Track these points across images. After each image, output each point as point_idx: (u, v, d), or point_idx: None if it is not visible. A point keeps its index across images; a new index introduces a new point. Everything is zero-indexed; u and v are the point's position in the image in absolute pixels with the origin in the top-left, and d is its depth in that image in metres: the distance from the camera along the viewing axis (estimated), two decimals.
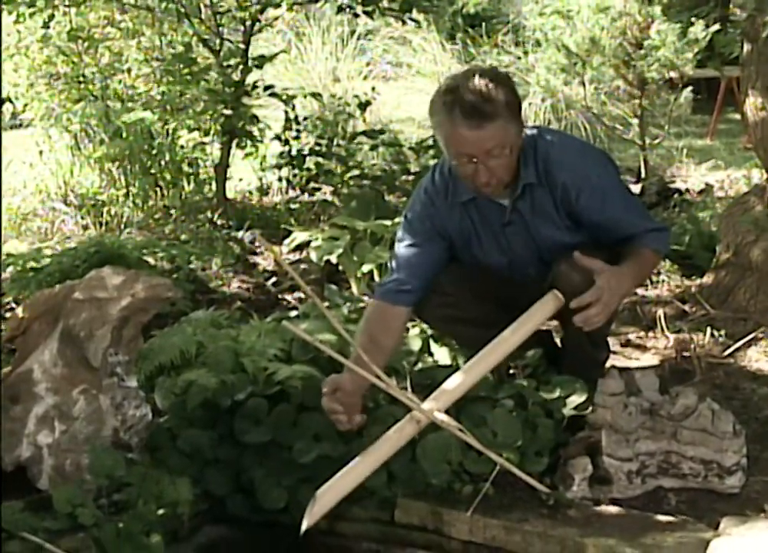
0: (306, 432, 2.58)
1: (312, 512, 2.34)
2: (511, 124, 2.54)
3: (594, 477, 2.50)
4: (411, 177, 5.27)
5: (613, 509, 2.43)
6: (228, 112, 5.17)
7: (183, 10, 5.20)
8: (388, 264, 2.94)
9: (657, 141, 5.94)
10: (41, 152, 5.88)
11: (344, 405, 2.50)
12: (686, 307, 3.77)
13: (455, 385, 2.52)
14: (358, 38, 8.29)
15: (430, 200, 2.77)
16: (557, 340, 3.08)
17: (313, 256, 4.09)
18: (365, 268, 3.96)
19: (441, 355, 2.99)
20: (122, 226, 5.18)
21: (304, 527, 2.31)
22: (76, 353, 2.50)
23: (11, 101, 5.51)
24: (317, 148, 5.59)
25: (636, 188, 5.42)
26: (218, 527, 2.59)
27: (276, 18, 6.01)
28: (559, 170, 2.64)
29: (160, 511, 2.39)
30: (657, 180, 5.60)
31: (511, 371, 2.84)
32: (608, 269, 2.50)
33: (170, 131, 5.59)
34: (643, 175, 5.76)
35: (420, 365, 2.90)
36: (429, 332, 3.11)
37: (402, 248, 2.81)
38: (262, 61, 5.31)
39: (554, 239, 2.72)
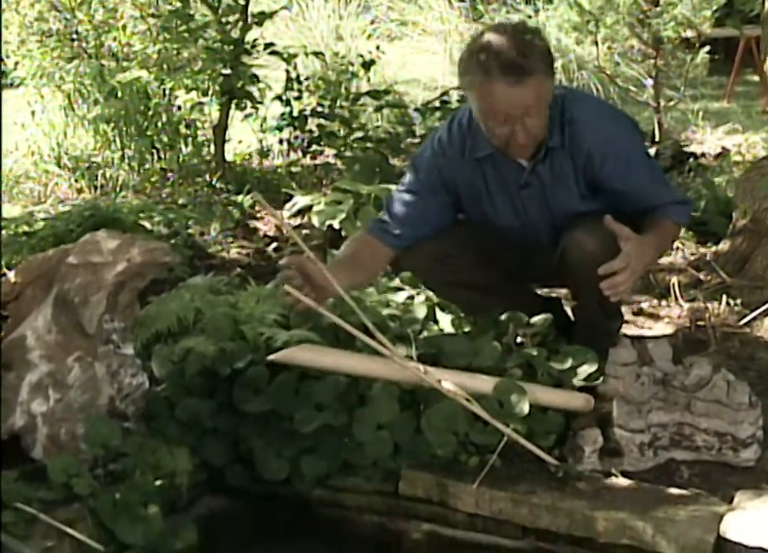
0: (308, 401, 2.57)
1: (283, 354, 2.44)
2: (547, 79, 2.52)
3: (605, 449, 2.50)
4: (416, 140, 5.24)
5: (624, 482, 2.43)
6: (227, 71, 5.13)
7: None
8: (384, 204, 2.92)
9: (672, 103, 5.90)
10: (33, 112, 5.85)
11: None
12: (701, 275, 3.76)
13: (459, 377, 2.54)
14: None
15: (442, 150, 2.76)
16: (568, 310, 3.08)
17: (315, 221, 4.08)
18: None
19: (447, 323, 2.98)
20: (117, 189, 5.17)
21: (269, 358, 2.45)
22: (70, 319, 2.50)
23: (0, 59, 5.47)
24: (319, 109, 5.55)
25: (650, 152, 5.38)
26: (217, 498, 2.60)
27: None
28: (584, 136, 2.61)
29: (158, 482, 2.39)
30: (671, 144, 5.56)
31: (520, 340, 2.83)
32: (635, 236, 2.48)
33: (167, 91, 5.55)
34: (657, 139, 5.73)
35: (425, 333, 2.89)
36: (435, 299, 3.11)
37: (401, 194, 2.81)
38: (262, 17, 5.26)
39: (569, 207, 2.70)
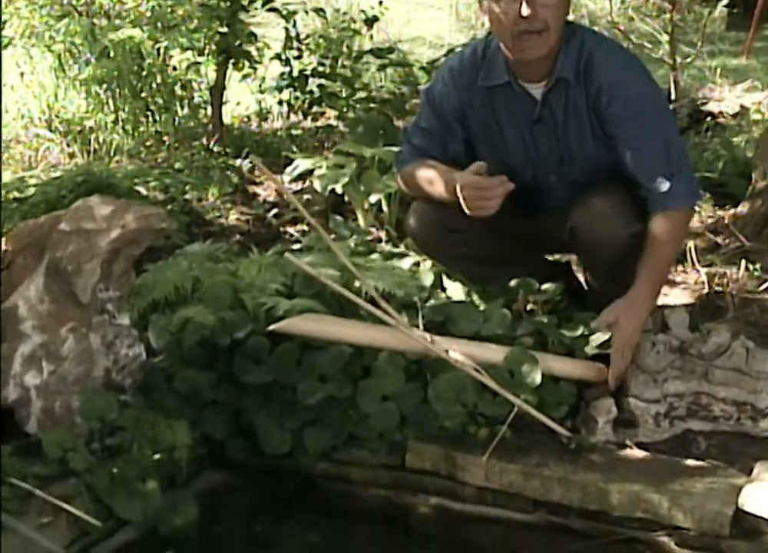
0: (311, 372, 2.58)
1: (285, 323, 2.47)
2: None
3: (619, 420, 2.50)
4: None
5: (638, 454, 2.44)
6: (223, 29, 5.09)
7: None
8: (403, 139, 2.99)
9: (688, 60, 5.85)
10: (22, 74, 5.81)
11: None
12: (719, 239, 3.74)
13: (467, 346, 2.54)
14: None
15: (452, 79, 2.79)
16: (580, 276, 3.06)
17: (317, 185, 4.05)
18: (373, 198, 3.92)
19: (455, 290, 2.98)
20: (111, 153, 5.14)
21: (270, 327, 2.50)
22: (63, 289, 2.49)
23: None
24: (320, 69, 5.50)
25: (674, 124, 5.33)
26: (217, 472, 2.61)
27: None
28: (599, 71, 2.61)
29: (156, 456, 2.40)
30: (688, 103, 5.52)
31: (530, 307, 2.82)
32: (621, 316, 2.52)
33: (162, 51, 5.51)
34: (673, 97, 5.68)
35: (432, 301, 2.89)
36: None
37: (416, 130, 2.87)
38: None
39: (581, 146, 2.70)
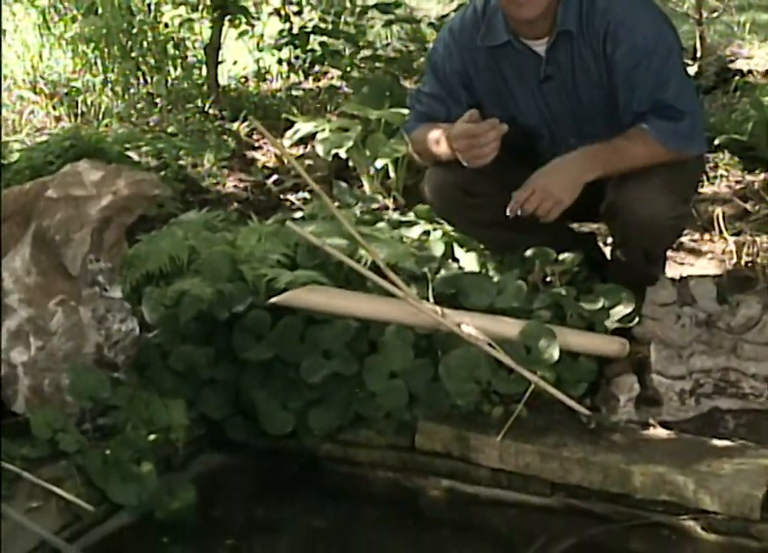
0: (315, 347, 2.57)
1: (287, 296, 2.46)
2: None
3: (642, 397, 2.50)
4: None
5: (663, 433, 2.44)
6: None
7: None
8: (408, 104, 3.03)
9: (715, 15, 5.80)
10: (4, 32, 5.78)
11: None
12: (748, 205, 3.72)
13: (481, 320, 2.53)
14: None
15: (453, 40, 2.79)
16: (602, 246, 3.06)
17: (319, 150, 4.04)
18: (379, 163, 3.90)
19: (467, 260, 2.97)
20: (100, 117, 5.11)
21: (271, 300, 2.50)
22: (51, 260, 2.49)
23: None
24: (322, 25, 5.47)
25: (691, 70, 5.30)
26: (216, 454, 2.62)
27: None
28: (603, 15, 2.61)
29: (151, 437, 2.41)
30: (715, 60, 5.47)
31: (548, 278, 2.82)
32: (546, 167, 2.61)
33: (153, 7, 5.48)
34: (699, 54, 5.63)
35: (443, 272, 2.88)
36: (453, 235, 3.10)
37: (420, 95, 2.89)
38: None
39: (595, 102, 2.69)
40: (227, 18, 5.26)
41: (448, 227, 3.08)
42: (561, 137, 2.79)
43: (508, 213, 2.62)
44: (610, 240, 3.00)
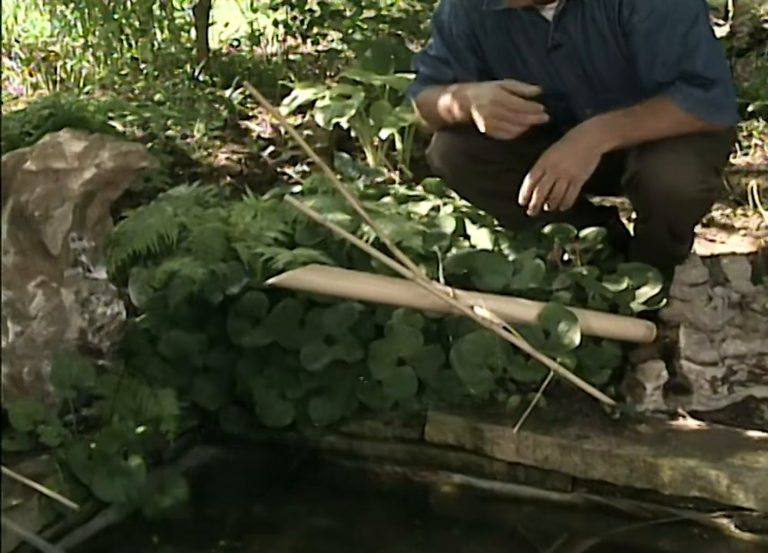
0: (316, 332, 2.58)
1: (286, 276, 2.46)
2: None
3: (670, 385, 2.50)
4: None
5: (693, 424, 2.44)
6: None
7: None
8: (413, 67, 3.04)
9: None
10: None
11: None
12: None
13: (495, 302, 2.53)
14: None
15: (460, 1, 2.79)
16: (626, 221, 3.05)
17: (319, 119, 4.03)
18: (384, 133, 3.90)
19: (480, 237, 2.96)
20: (80, 84, 5.12)
21: (268, 281, 2.49)
22: (30, 238, 2.48)
23: None
24: None
25: (721, 31, 5.29)
26: (210, 447, 2.63)
27: None
28: None
29: (140, 429, 2.41)
30: (749, 20, 5.46)
31: (568, 257, 2.81)
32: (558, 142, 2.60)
33: None
34: (730, 14, 5.62)
35: (454, 250, 2.88)
36: (465, 210, 3.10)
37: (427, 58, 2.90)
38: None
39: (612, 70, 2.69)
40: None
41: (460, 202, 3.08)
42: (576, 107, 2.78)
43: (520, 200, 2.62)
44: (634, 215, 2.99)
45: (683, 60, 2.60)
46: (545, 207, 2.61)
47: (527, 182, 2.60)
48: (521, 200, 2.62)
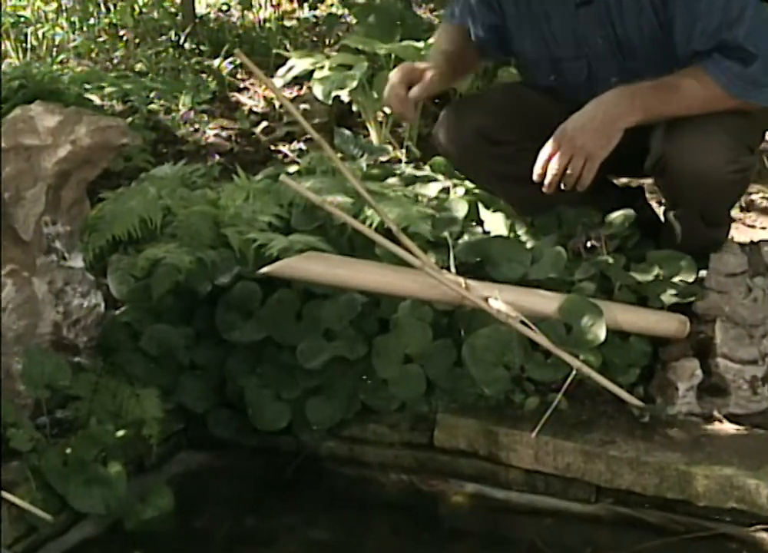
0: (314, 327, 2.58)
1: (281, 265, 2.46)
2: None
3: (705, 386, 2.50)
4: None
5: (730, 428, 2.44)
6: None
7: None
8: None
9: None
10: None
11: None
12: None
13: (512, 293, 2.53)
14: None
15: None
16: (655, 205, 3.05)
17: (317, 91, 4.04)
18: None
19: (495, 222, 2.96)
20: (54, 52, 5.12)
21: (262, 270, 2.49)
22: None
23: None
24: None
25: None
26: (197, 453, 2.63)
27: None
28: None
29: (120, 433, 2.41)
30: None
31: (591, 244, 2.81)
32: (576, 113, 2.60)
33: None
34: None
35: (466, 236, 2.88)
36: (478, 192, 3.10)
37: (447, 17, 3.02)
38: None
39: (644, 36, 2.68)
40: None
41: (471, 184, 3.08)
42: (600, 75, 2.78)
43: (534, 177, 2.61)
44: (663, 199, 2.99)
45: (724, 29, 2.58)
46: (561, 186, 2.60)
47: (541, 157, 2.60)
48: (534, 177, 2.61)
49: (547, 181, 2.59)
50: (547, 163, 2.58)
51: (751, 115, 2.64)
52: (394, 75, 2.81)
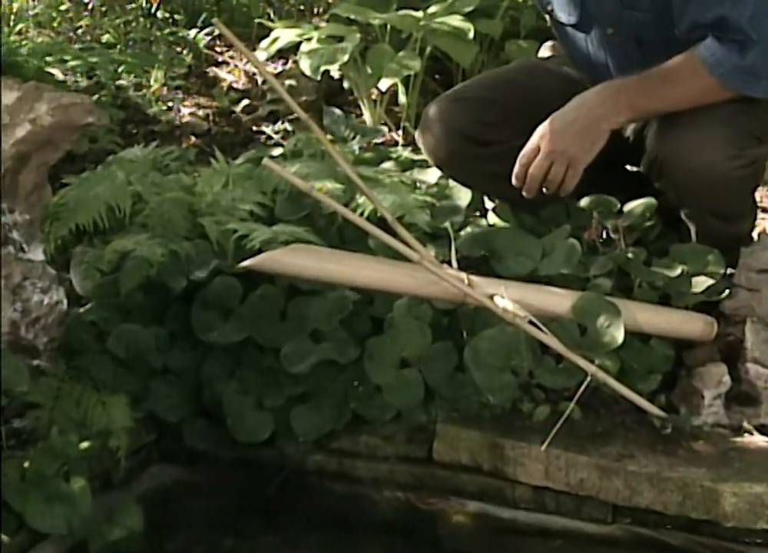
0: (300, 327, 2.58)
1: (264, 258, 2.45)
2: None
3: (734, 394, 2.51)
4: None
5: (761, 441, 2.44)
6: None
7: None
8: None
9: None
10: None
11: None
12: None
13: (520, 290, 2.53)
14: None
15: None
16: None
17: (305, 66, 4.02)
18: (384, 84, 3.89)
19: (501, 212, 2.96)
20: (10, 22, 5.10)
21: (242, 264, 2.48)
22: None
23: None
24: None
25: None
26: (170, 467, 2.64)
27: None
28: None
29: (84, 445, 2.41)
30: None
31: (608, 235, 2.81)
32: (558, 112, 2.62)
33: None
34: None
35: (470, 228, 2.88)
36: None
37: None
38: None
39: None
40: None
41: None
42: (597, 24, 2.79)
43: (513, 181, 2.64)
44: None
45: (726, 2, 2.56)
46: (543, 190, 2.62)
47: (520, 160, 2.62)
48: (514, 181, 2.64)
49: (526, 187, 2.61)
50: (527, 167, 2.59)
51: (756, 100, 2.63)
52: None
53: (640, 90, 2.61)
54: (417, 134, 3.00)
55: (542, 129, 2.62)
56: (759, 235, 2.74)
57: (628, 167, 3.06)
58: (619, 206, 2.84)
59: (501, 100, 2.87)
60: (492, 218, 2.97)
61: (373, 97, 4.01)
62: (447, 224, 2.80)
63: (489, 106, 2.87)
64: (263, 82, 4.38)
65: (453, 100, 2.87)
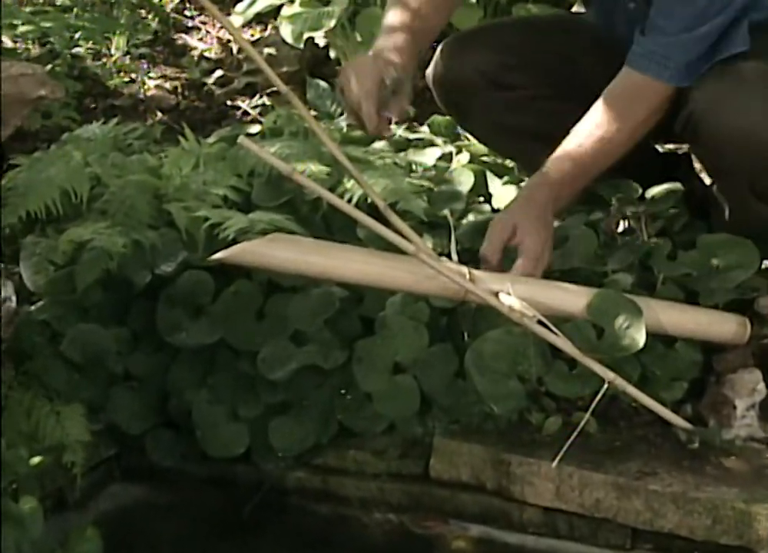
0: (280, 328, 2.59)
1: (238, 250, 2.42)
2: None
3: None
4: None
5: None
6: None
7: None
8: None
9: None
10: None
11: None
12: None
13: (528, 286, 2.53)
14: None
15: None
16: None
17: (286, 32, 4.04)
18: None
19: (507, 198, 2.96)
20: None
21: (214, 256, 2.45)
22: None
23: None
24: None
25: None
26: (132, 486, 2.64)
27: None
28: None
29: (35, 460, 2.41)
30: None
31: (629, 225, 2.82)
32: (520, 221, 2.60)
33: None
34: None
35: (472, 216, 2.89)
36: (486, 160, 3.12)
37: None
38: None
39: None
40: None
41: (480, 147, 3.08)
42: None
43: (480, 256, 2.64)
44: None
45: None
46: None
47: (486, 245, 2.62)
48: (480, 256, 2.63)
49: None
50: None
51: None
52: (355, 88, 2.72)
53: (561, 164, 2.65)
54: (428, 72, 3.00)
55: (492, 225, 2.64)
56: None
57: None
58: (641, 191, 2.85)
59: (528, 47, 2.89)
60: (497, 204, 2.98)
61: None
62: (446, 212, 2.80)
63: (512, 45, 2.88)
64: (239, 51, 4.39)
65: (469, 36, 2.86)
